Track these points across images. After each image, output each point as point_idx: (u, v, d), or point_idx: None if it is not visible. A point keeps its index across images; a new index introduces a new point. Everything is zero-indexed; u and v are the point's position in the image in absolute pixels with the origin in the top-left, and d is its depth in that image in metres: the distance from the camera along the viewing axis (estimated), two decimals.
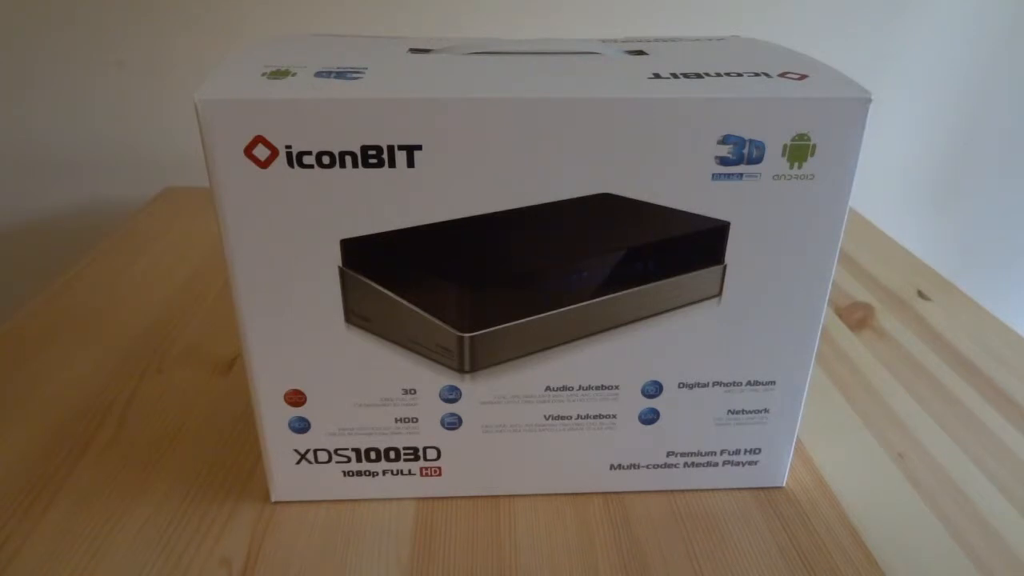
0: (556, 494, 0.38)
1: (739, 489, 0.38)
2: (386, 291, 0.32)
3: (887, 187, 0.90)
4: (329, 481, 0.37)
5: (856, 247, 0.69)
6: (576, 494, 0.38)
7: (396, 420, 0.35)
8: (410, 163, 0.29)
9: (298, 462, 0.36)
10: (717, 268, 0.33)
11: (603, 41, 0.39)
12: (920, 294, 0.60)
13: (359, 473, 0.37)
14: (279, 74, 0.30)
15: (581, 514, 0.37)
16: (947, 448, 0.42)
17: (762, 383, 0.35)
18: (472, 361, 0.33)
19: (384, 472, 0.37)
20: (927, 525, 0.36)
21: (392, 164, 0.29)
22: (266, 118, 0.28)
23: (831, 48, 0.82)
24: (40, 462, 0.40)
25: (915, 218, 0.93)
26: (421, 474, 0.37)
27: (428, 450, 0.36)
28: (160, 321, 0.54)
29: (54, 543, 0.35)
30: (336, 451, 0.36)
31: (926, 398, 0.47)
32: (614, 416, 0.36)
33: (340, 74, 0.30)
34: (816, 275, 0.33)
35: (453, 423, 0.35)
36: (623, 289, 0.33)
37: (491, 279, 0.32)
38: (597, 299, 0.33)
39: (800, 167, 0.30)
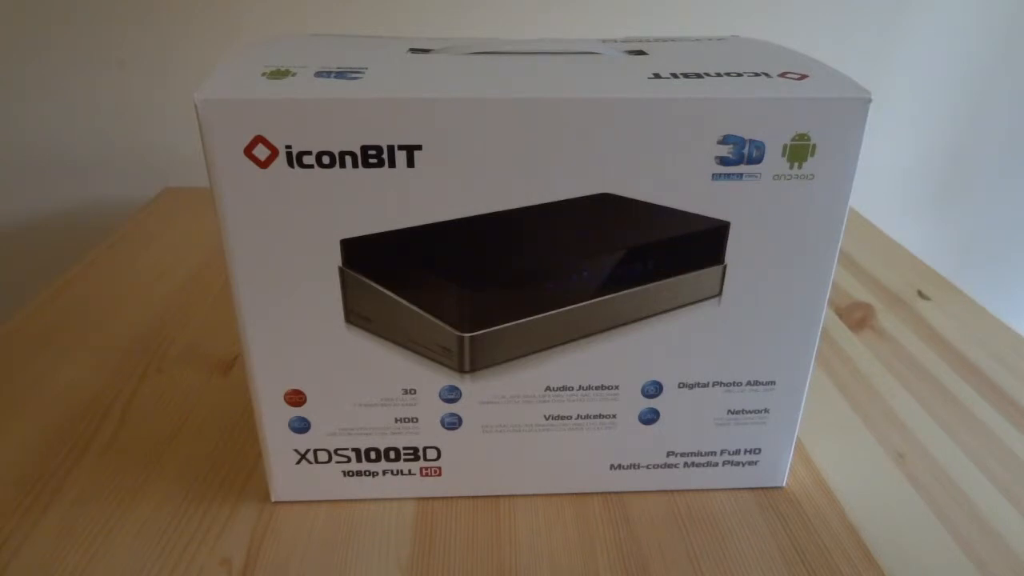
0: (556, 494, 0.38)
1: (739, 489, 0.38)
2: (386, 291, 0.32)
3: (887, 187, 0.90)
4: (329, 481, 0.37)
5: (856, 247, 0.69)
6: (576, 494, 0.38)
7: (396, 420, 0.35)
8: (410, 163, 0.29)
9: (298, 462, 0.36)
10: (717, 268, 0.33)
11: (603, 41, 0.39)
12: (920, 294, 0.60)
13: (359, 473, 0.37)
14: (279, 74, 0.30)
15: (581, 514, 0.37)
16: (947, 448, 0.42)
17: (762, 383, 0.35)
18: (472, 361, 0.33)
19: (384, 472, 0.37)
20: (927, 525, 0.36)
21: (392, 164, 0.29)
22: (266, 118, 0.28)
23: (831, 48, 0.82)
24: (40, 462, 0.40)
25: (915, 218, 0.93)
26: (421, 474, 0.37)
27: (428, 450, 0.36)
28: (160, 321, 0.54)
29: (54, 543, 0.35)
30: (336, 451, 0.36)
31: (926, 398, 0.47)
32: (614, 416, 0.36)
33: (340, 74, 0.30)
34: (816, 275, 0.33)
35: (453, 423, 0.35)
36: (623, 289, 0.33)
37: (491, 279, 0.32)
38: (597, 299, 0.33)
39: (800, 167, 0.30)
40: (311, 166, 0.29)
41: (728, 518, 0.37)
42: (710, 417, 0.36)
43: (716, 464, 0.38)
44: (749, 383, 0.35)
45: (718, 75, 0.31)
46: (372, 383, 0.34)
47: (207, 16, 0.77)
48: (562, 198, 0.31)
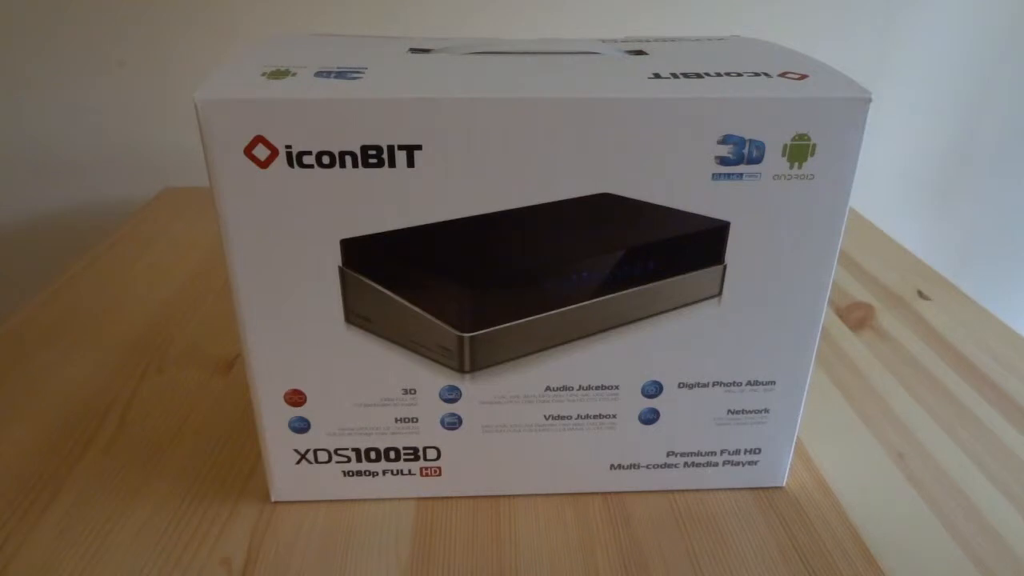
0: (556, 494, 0.38)
1: (739, 489, 0.38)
2: (386, 291, 0.32)
3: (887, 187, 0.90)
4: (329, 481, 0.37)
5: (856, 247, 0.69)
6: (576, 494, 0.38)
7: (396, 420, 0.35)
8: (410, 163, 0.29)
9: (298, 462, 0.36)
10: (717, 268, 0.33)
11: (603, 41, 0.39)
12: (920, 294, 0.60)
13: (359, 473, 0.37)
14: (279, 74, 0.30)
15: (581, 514, 0.37)
16: (947, 448, 0.42)
17: (762, 383, 0.35)
18: (472, 361, 0.33)
19: (384, 472, 0.37)
20: (927, 525, 0.36)
21: (392, 164, 0.29)
22: (266, 118, 0.28)
23: (831, 48, 0.82)
24: (40, 462, 0.40)
25: (915, 218, 0.93)
26: (421, 474, 0.37)
27: (428, 450, 0.36)
28: (160, 321, 0.54)
29: (54, 543, 0.35)
30: (336, 451, 0.36)
31: (926, 398, 0.47)
32: (614, 416, 0.36)
33: (340, 74, 0.30)
34: (816, 275, 0.33)
35: (453, 423, 0.35)
36: (623, 289, 0.33)
37: (491, 279, 0.32)
38: (597, 299, 0.33)
39: (800, 167, 0.30)
40: (311, 166, 0.29)
41: (728, 518, 0.37)
42: (710, 417, 0.36)
43: (716, 464, 0.38)
44: (749, 383, 0.35)
45: (718, 75, 0.31)
46: (372, 383, 0.34)
47: (207, 16, 0.77)
48: (562, 198, 0.31)
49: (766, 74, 0.31)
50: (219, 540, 0.35)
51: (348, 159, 0.29)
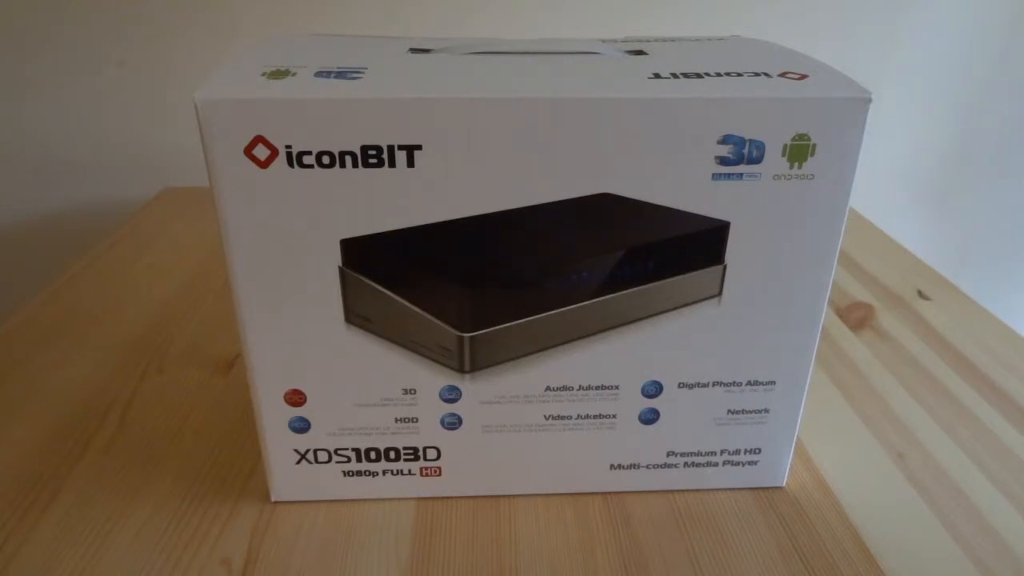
0: (556, 494, 0.38)
1: (739, 489, 0.38)
2: (386, 291, 0.32)
3: (887, 187, 0.90)
4: (329, 481, 0.37)
5: (856, 247, 0.69)
6: (576, 494, 0.38)
7: (396, 420, 0.35)
8: (410, 163, 0.29)
9: (298, 462, 0.36)
10: (717, 268, 0.33)
11: (603, 41, 0.39)
12: (920, 294, 0.60)
13: (359, 473, 0.37)
14: (279, 74, 0.30)
15: (581, 514, 0.37)
16: (947, 448, 0.42)
17: (762, 383, 0.35)
18: (472, 361, 0.33)
19: (384, 472, 0.37)
20: (927, 525, 0.36)
21: (392, 164, 0.29)
22: (266, 118, 0.28)
23: (831, 48, 0.82)
24: (40, 462, 0.40)
25: (915, 218, 0.93)
26: (421, 474, 0.37)
27: (428, 450, 0.36)
28: (160, 321, 0.54)
29: (54, 543, 0.35)
30: (336, 451, 0.36)
31: (926, 398, 0.47)
32: (614, 416, 0.36)
33: (340, 74, 0.30)
34: (816, 275, 0.33)
35: (453, 423, 0.35)
36: (623, 289, 0.33)
37: (491, 279, 0.32)
38: (597, 299, 0.33)
39: (800, 167, 0.30)
40: (311, 166, 0.29)
41: (728, 518, 0.37)
42: (710, 417, 0.36)
43: (716, 464, 0.38)
44: (749, 383, 0.35)
45: (718, 75, 0.31)
46: (372, 383, 0.34)
47: (207, 16, 0.77)
48: (562, 198, 0.31)
49: (766, 74, 0.31)
50: (219, 540, 0.35)
51: (348, 159, 0.29)
